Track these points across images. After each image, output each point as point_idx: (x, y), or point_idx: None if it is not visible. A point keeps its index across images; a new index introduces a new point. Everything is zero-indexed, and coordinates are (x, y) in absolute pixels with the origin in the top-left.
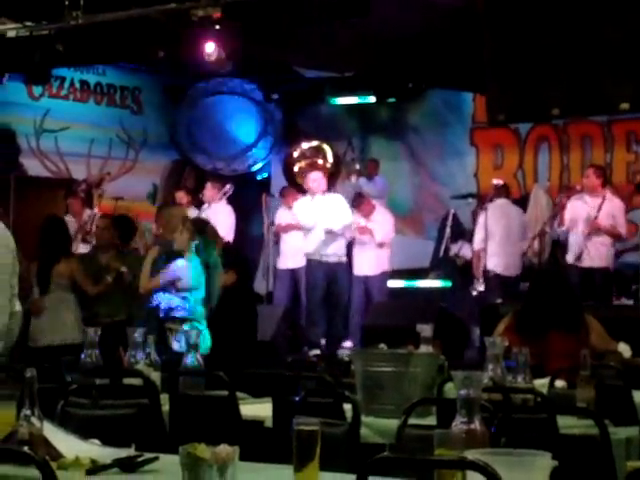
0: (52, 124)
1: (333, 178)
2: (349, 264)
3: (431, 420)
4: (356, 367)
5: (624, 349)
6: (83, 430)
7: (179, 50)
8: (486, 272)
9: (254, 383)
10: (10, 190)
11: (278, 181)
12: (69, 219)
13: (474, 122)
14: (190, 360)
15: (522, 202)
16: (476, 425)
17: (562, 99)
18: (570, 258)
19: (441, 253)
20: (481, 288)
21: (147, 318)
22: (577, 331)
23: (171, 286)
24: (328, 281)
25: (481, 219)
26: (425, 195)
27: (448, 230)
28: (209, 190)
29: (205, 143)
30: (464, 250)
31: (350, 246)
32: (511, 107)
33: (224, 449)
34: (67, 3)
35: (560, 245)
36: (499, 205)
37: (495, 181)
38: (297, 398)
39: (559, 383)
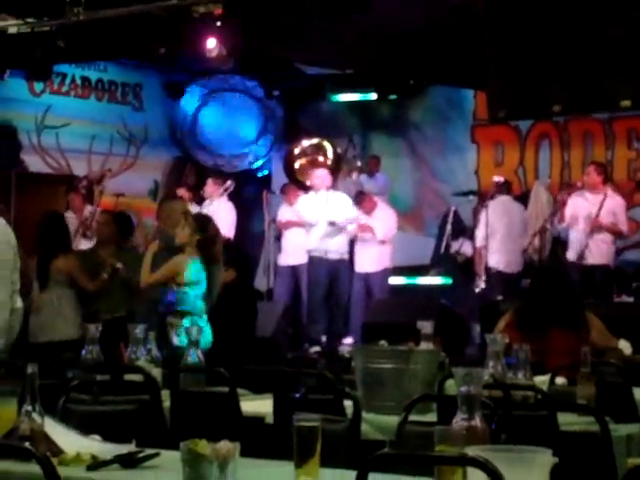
0: (53, 120)
1: (334, 175)
2: (351, 261)
3: (432, 417)
4: (357, 364)
5: (624, 346)
6: (84, 426)
7: (180, 47)
8: (488, 269)
9: (255, 379)
10: (11, 186)
11: (279, 178)
12: (70, 215)
13: (475, 119)
14: (191, 356)
15: (523, 199)
16: (476, 422)
17: (563, 96)
18: (571, 255)
19: (442, 250)
20: (483, 285)
21: (147, 313)
22: (578, 328)
23: (171, 281)
24: (330, 278)
25: (483, 216)
26: (426, 192)
27: (449, 227)
28: (210, 187)
29: (206, 140)
30: (465, 247)
31: (352, 243)
32: (512, 104)
33: (225, 445)
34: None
35: (561, 242)
36: (501, 202)
37: (496, 178)
38: (298, 395)
39: (559, 380)
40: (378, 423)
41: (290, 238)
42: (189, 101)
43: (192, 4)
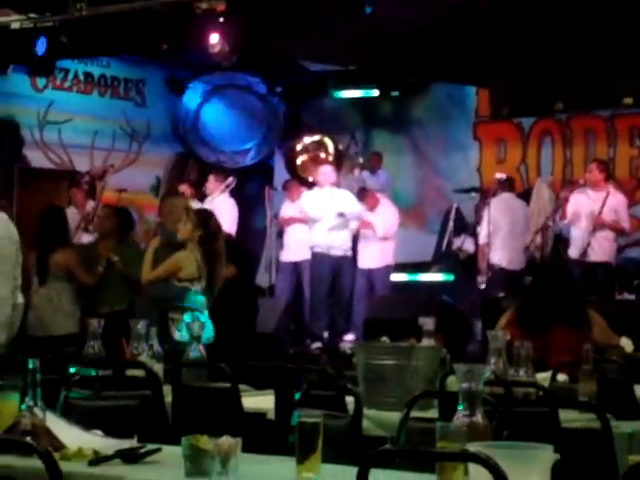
0: (56, 116)
1: (336, 172)
2: (353, 257)
3: (433, 413)
4: (358, 360)
5: (626, 343)
6: (86, 421)
7: (183, 43)
8: (491, 266)
9: (256, 375)
10: (14, 181)
11: (281, 174)
12: (72, 211)
13: (477, 116)
14: (193, 352)
15: (525, 196)
16: (478, 418)
17: (565, 93)
18: (572, 253)
19: (444, 247)
20: (486, 282)
21: (148, 309)
22: (579, 325)
23: (173, 277)
24: (333, 275)
25: (486, 213)
26: (428, 189)
27: (451, 224)
28: (212, 183)
29: (209, 136)
30: (467, 244)
31: (354, 240)
32: (514, 101)
33: (226, 441)
34: None
35: (562, 239)
36: (504, 199)
37: (498, 175)
38: (299, 391)
39: (561, 377)
40: (379, 419)
41: (292, 234)
42: (191, 97)
43: (195, 0)
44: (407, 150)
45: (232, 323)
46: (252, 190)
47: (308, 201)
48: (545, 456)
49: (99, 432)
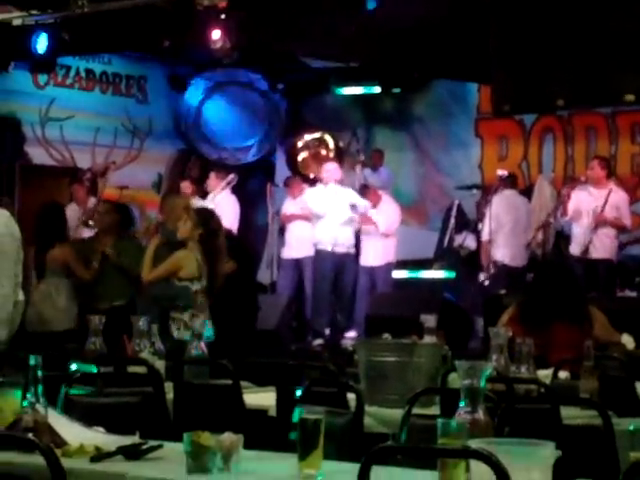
0: (57, 113)
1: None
2: (356, 254)
3: (435, 410)
4: (360, 357)
5: (627, 340)
6: (87, 418)
7: (184, 39)
8: (494, 262)
9: (258, 372)
10: (15, 178)
11: (283, 171)
12: (73, 207)
13: (479, 113)
14: (194, 349)
15: (526, 193)
16: (480, 415)
17: (567, 90)
18: (574, 249)
19: (445, 244)
20: (488, 278)
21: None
22: (581, 322)
23: (173, 276)
24: (336, 272)
25: (489, 210)
26: (429, 186)
27: (452, 221)
28: (213, 180)
29: (210, 133)
30: (468, 241)
31: (356, 237)
32: (516, 98)
33: (228, 437)
34: None
35: (564, 236)
36: (506, 196)
37: (500, 172)
38: (301, 387)
39: (562, 374)
40: (381, 416)
41: (294, 231)
42: (193, 94)
43: None
44: (408, 147)
45: (232, 319)
46: (254, 187)
47: (312, 198)
48: (547, 453)
49: (101, 429)
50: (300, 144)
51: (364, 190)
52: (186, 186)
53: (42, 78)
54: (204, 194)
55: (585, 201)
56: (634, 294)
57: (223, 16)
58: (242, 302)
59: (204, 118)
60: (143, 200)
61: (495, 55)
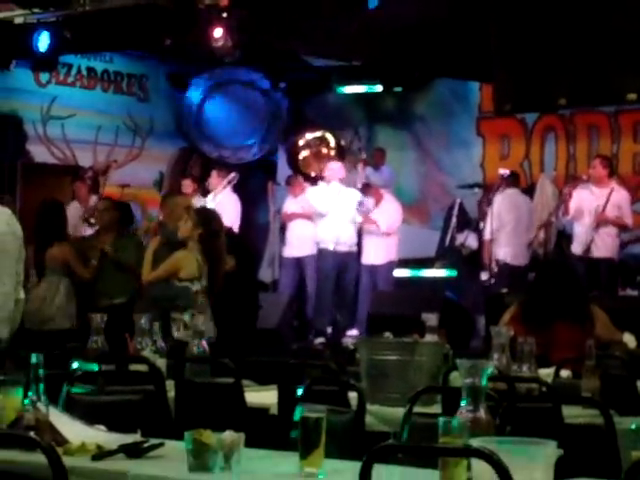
0: (59, 111)
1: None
2: (358, 253)
3: (436, 408)
4: (361, 355)
5: (629, 339)
6: (89, 416)
7: (186, 38)
8: (496, 261)
9: (259, 371)
10: (17, 177)
11: (284, 170)
12: (75, 205)
13: (480, 112)
14: (196, 347)
15: (528, 192)
16: (481, 414)
17: (569, 89)
18: (575, 248)
19: (447, 243)
20: (492, 277)
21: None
22: (582, 321)
23: (173, 277)
24: (338, 271)
25: (493, 209)
26: (431, 185)
27: (454, 220)
28: (214, 178)
29: (212, 131)
30: (470, 240)
31: (358, 235)
32: (518, 97)
33: (229, 435)
34: None
35: (565, 235)
36: (509, 195)
37: (501, 171)
38: (302, 386)
39: (564, 373)
40: (383, 415)
41: (294, 230)
42: (195, 92)
43: None
44: (410, 146)
45: (233, 318)
46: (255, 185)
47: (315, 196)
48: (548, 452)
49: (102, 427)
50: (301, 143)
51: (366, 189)
52: (187, 185)
53: (44, 76)
54: (205, 193)
55: (587, 200)
56: (636, 293)
57: (225, 15)
58: (243, 301)
59: (205, 117)
60: (144, 198)
61: (497, 54)
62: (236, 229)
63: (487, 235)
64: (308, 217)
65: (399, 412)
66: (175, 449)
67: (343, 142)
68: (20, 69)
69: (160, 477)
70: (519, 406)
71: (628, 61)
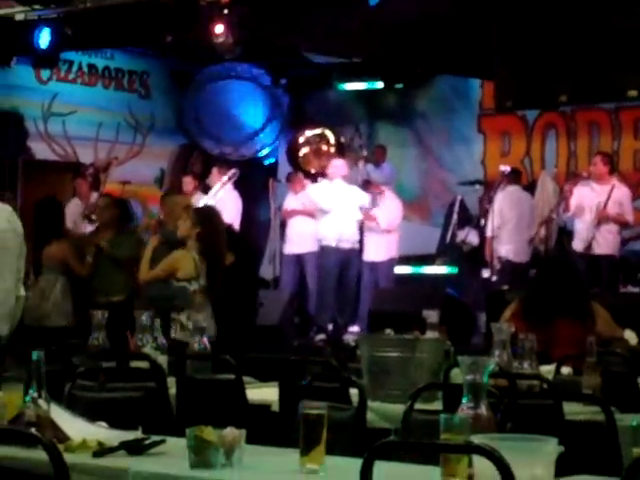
0: (60, 108)
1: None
2: (360, 250)
3: (437, 405)
4: (362, 352)
5: (630, 336)
6: (90, 413)
7: (187, 34)
8: (498, 258)
9: (260, 367)
10: (18, 173)
11: (285, 166)
12: (76, 202)
13: (481, 109)
14: (197, 344)
15: (529, 189)
16: (482, 410)
17: (570, 86)
18: (577, 245)
19: (448, 239)
20: (494, 274)
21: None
22: (583, 318)
23: (171, 277)
24: (341, 268)
25: (495, 206)
26: (432, 181)
27: (455, 216)
28: (215, 175)
29: (213, 128)
30: (471, 236)
31: (359, 232)
32: (518, 94)
33: (231, 432)
34: None
35: (566, 232)
36: (510, 192)
37: (502, 167)
38: (303, 382)
39: (565, 370)
40: (384, 411)
41: (294, 226)
42: (196, 89)
43: None
44: (411, 143)
45: (234, 315)
46: (256, 182)
47: (318, 193)
48: (549, 448)
49: (103, 424)
50: (301, 140)
51: (366, 185)
52: (188, 181)
53: (45, 73)
54: (206, 190)
55: (588, 197)
56: (637, 290)
57: (226, 11)
58: (242, 297)
59: (206, 113)
60: (145, 195)
61: (498, 50)
62: (237, 226)
63: (489, 232)
64: (308, 214)
65: (400, 409)
66: (176, 446)
67: (343, 139)
68: (21, 66)
69: (161, 474)
70: (520, 403)
71: (629, 58)
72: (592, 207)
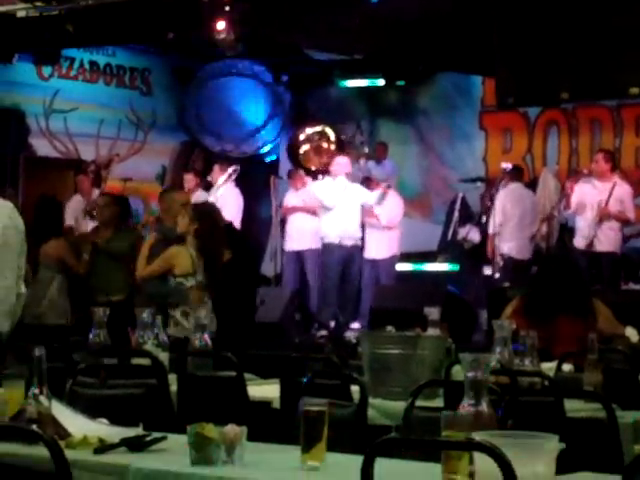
0: (61, 104)
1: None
2: (362, 247)
3: (438, 402)
4: (364, 349)
5: (631, 333)
6: (91, 409)
7: (189, 31)
8: (501, 256)
9: (262, 364)
10: (19, 170)
11: (287, 164)
12: (78, 198)
13: (483, 106)
14: (198, 341)
15: (531, 186)
16: (483, 407)
17: (571, 83)
18: (578, 242)
19: (449, 236)
20: (497, 271)
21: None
22: (585, 315)
23: (169, 273)
24: (344, 265)
25: (497, 203)
26: (433, 178)
27: (456, 214)
28: (217, 172)
29: (214, 125)
30: (472, 234)
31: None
32: (520, 91)
33: (232, 429)
34: None
35: (568, 229)
36: (512, 189)
37: (504, 165)
38: (304, 379)
39: (566, 367)
40: (385, 408)
41: (294, 223)
42: (197, 86)
43: None
44: (413, 140)
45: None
46: (258, 179)
47: (322, 190)
48: (550, 445)
49: (104, 420)
50: (301, 137)
51: (368, 182)
52: (190, 179)
53: (46, 70)
54: (208, 187)
55: (589, 194)
56: (638, 287)
57: (227, 8)
58: (241, 294)
59: (208, 110)
60: (147, 192)
61: (499, 47)
62: (238, 223)
63: (491, 229)
64: (309, 210)
65: (401, 406)
66: (177, 443)
67: (344, 136)
68: (22, 62)
69: (162, 471)
70: (521, 400)
71: (630, 55)
72: (594, 204)
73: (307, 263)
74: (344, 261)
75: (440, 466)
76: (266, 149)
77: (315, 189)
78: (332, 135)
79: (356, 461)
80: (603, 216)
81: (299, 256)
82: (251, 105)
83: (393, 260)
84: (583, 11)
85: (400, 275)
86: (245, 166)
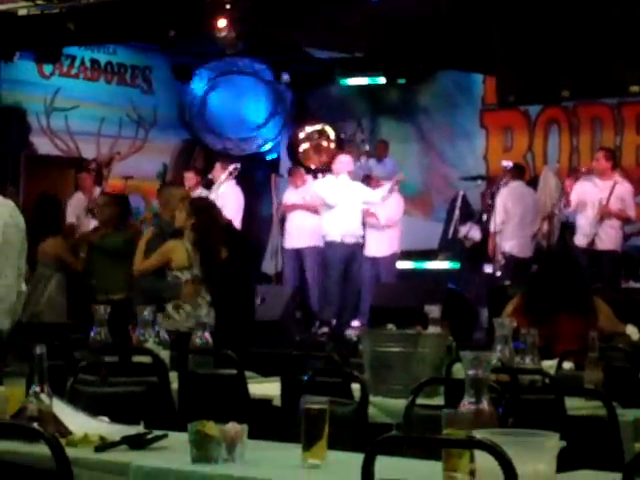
0: (62, 103)
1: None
2: (363, 245)
3: (439, 400)
4: (364, 347)
5: (632, 331)
6: (92, 407)
7: (190, 29)
8: (502, 254)
9: (262, 362)
10: (20, 168)
11: (287, 161)
12: (79, 196)
13: (484, 104)
14: (199, 339)
15: (532, 184)
16: (484, 405)
17: (572, 81)
18: (579, 240)
19: (450, 234)
20: (498, 269)
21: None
22: (585, 313)
23: (166, 267)
24: (346, 263)
25: (499, 201)
26: (434, 176)
27: (457, 212)
28: (218, 170)
29: (215, 123)
30: (473, 232)
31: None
32: (521, 89)
33: (233, 427)
34: None
35: (569, 227)
36: (514, 187)
37: (504, 163)
38: (305, 377)
39: (567, 365)
40: (385, 406)
41: (294, 221)
42: (198, 84)
43: None
44: (413, 138)
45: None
46: (259, 177)
47: (324, 188)
48: (551, 443)
49: (105, 418)
50: (301, 136)
51: (368, 180)
52: (190, 177)
53: (47, 68)
54: (209, 185)
55: (590, 192)
56: (639, 285)
57: (228, 6)
58: (245, 293)
59: (209, 108)
60: (148, 190)
61: (500, 45)
62: (239, 221)
63: (492, 228)
64: (309, 208)
65: (402, 404)
66: (178, 440)
67: (345, 134)
68: (24, 61)
69: (163, 468)
70: (522, 398)
71: (631, 53)
72: (594, 202)
73: (307, 261)
74: (346, 259)
75: (441, 464)
76: (267, 147)
77: (317, 187)
78: (332, 134)
79: (357, 459)
80: (604, 214)
81: (299, 254)
82: (252, 103)
83: (394, 258)
84: (584, 9)
85: (401, 273)
86: (246, 164)
